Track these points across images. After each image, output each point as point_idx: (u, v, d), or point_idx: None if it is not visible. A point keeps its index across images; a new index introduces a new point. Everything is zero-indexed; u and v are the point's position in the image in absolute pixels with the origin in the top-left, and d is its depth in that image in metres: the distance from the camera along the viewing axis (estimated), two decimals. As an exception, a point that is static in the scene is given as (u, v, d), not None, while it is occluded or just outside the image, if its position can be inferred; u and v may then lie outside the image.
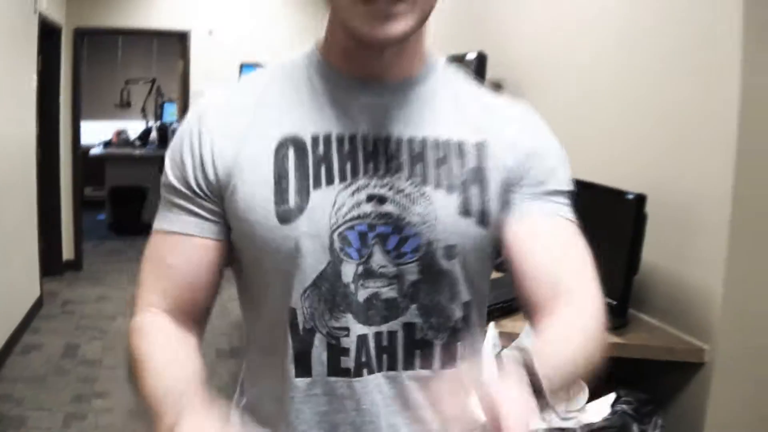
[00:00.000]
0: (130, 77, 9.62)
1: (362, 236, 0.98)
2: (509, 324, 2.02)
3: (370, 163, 0.99)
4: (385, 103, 1.01)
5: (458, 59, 3.36)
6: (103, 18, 6.83)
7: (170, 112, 9.10)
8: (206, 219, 1.01)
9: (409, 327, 1.01)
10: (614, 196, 2.06)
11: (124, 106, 9.29)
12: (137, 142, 9.23)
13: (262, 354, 1.10)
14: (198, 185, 1.00)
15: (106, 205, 8.73)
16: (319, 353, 1.00)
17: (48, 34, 5.82)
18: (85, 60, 7.12)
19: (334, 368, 1.00)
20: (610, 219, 2.05)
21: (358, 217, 0.98)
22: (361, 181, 0.98)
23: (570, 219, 1.04)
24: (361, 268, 0.98)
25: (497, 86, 3.16)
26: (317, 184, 0.98)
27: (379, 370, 1.01)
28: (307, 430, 1.03)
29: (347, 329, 0.99)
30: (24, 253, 5.21)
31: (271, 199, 0.97)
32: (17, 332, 4.82)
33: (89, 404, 3.96)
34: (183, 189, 1.01)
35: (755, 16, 1.79)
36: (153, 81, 9.34)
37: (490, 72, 3.12)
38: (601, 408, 1.88)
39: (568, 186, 1.05)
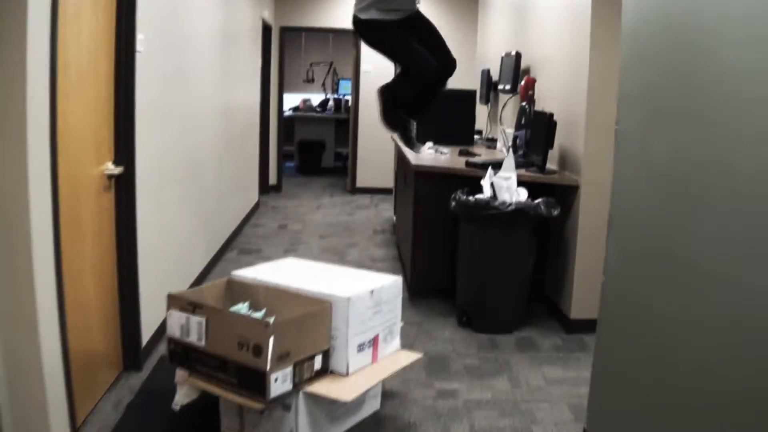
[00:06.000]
0: (313, 61, 12.29)
1: None
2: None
3: None
4: None
5: (507, 55, 5.85)
6: (299, 20, 9.63)
7: (344, 86, 11.64)
8: None
9: None
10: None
11: (309, 81, 11.82)
12: (318, 109, 11.81)
13: None
14: None
15: (295, 155, 11.61)
16: None
17: (265, 31, 8.65)
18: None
19: None
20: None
21: None
22: None
23: None
24: None
25: (527, 71, 5.61)
26: None
27: None
28: None
29: None
30: (250, 178, 8.13)
31: None
32: (247, 217, 7.75)
33: (296, 248, 6.65)
34: None
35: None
36: (331, 63, 11.97)
37: (523, 62, 5.50)
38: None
39: None
